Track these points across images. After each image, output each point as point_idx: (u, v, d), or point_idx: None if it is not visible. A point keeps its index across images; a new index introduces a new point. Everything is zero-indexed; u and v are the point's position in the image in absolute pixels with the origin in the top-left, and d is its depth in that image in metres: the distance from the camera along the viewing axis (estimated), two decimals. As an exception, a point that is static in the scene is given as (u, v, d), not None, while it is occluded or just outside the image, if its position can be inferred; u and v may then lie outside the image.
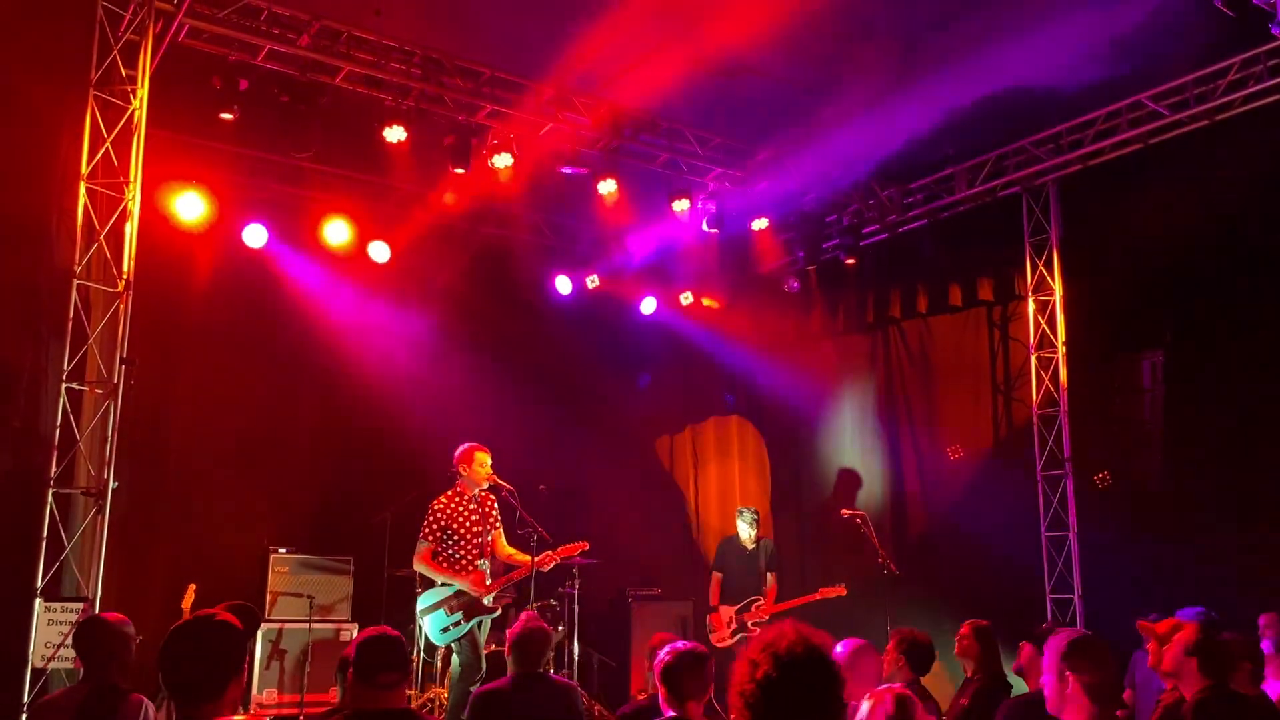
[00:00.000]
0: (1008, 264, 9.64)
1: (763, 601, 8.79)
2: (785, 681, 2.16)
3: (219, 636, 2.77)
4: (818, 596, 8.60)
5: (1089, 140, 8.59)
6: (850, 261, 10.36)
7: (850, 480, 10.57)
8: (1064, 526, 8.92)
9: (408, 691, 3.76)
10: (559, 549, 7.30)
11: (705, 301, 11.54)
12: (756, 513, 9.27)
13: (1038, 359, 9.28)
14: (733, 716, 2.24)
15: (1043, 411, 9.18)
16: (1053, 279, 9.24)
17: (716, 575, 9.09)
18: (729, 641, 8.77)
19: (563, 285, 10.95)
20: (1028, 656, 4.39)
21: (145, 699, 4.16)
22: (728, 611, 8.89)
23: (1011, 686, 5.44)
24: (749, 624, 8.71)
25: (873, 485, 10.51)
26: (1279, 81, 7.42)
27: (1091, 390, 8.91)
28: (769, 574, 9.04)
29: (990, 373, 9.78)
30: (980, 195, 9.53)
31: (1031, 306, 9.35)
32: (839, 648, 4.64)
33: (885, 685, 4.72)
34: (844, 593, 8.57)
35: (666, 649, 4.01)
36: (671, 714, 3.88)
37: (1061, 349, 9.13)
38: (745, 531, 9.02)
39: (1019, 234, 9.45)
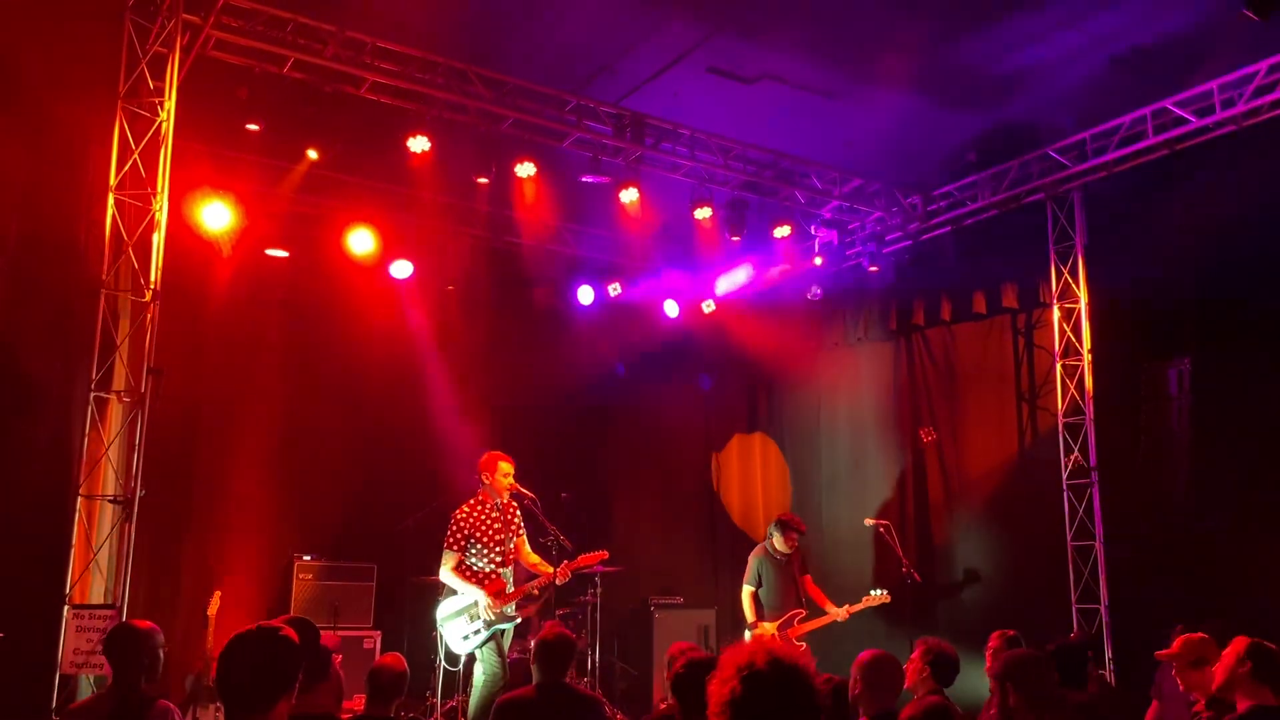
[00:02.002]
0: (1032, 271, 9.57)
1: (804, 614, 8.40)
2: (752, 701, 2.13)
3: (274, 648, 2.79)
4: (861, 606, 8.27)
5: (1114, 146, 8.53)
6: (873, 269, 10.33)
7: (873, 488, 10.52)
8: (1090, 536, 8.84)
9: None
10: (579, 558, 7.31)
11: (730, 311, 11.53)
12: (791, 525, 8.72)
13: (1063, 367, 9.21)
14: None
15: (1068, 420, 9.10)
16: (1078, 286, 9.17)
17: (750, 590, 8.58)
18: None
19: (585, 294, 10.98)
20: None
21: (172, 705, 4.19)
22: (768, 628, 8.41)
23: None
24: (794, 640, 8.24)
25: (896, 493, 10.45)
26: (1306, 87, 7.35)
27: (1118, 398, 8.82)
28: (804, 578, 8.66)
29: (1015, 381, 9.71)
30: (1004, 202, 9.49)
31: (1056, 314, 9.29)
32: (862, 658, 4.62)
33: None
34: (889, 599, 8.30)
35: (682, 659, 3.97)
36: None
37: (1087, 356, 9.06)
38: (780, 543, 8.62)
39: (1043, 241, 9.39)
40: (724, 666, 2.21)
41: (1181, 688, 4.83)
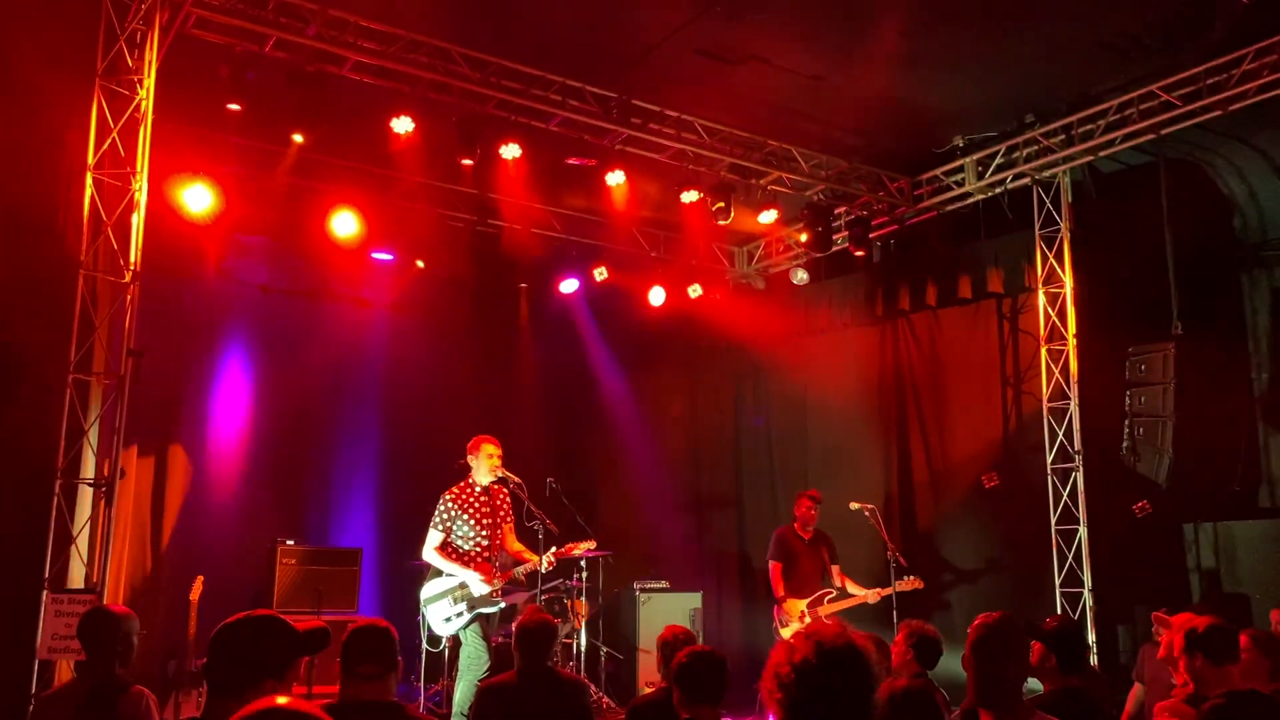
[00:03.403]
0: (1018, 256, 9.59)
1: (834, 594, 8.37)
2: (822, 669, 2.14)
3: (258, 636, 2.75)
4: (891, 590, 8.18)
5: (1100, 131, 8.52)
6: (859, 253, 10.31)
7: (858, 472, 10.53)
8: (1074, 520, 8.88)
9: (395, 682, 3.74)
10: (567, 546, 7.27)
11: (716, 295, 11.48)
12: (801, 494, 8.81)
13: (1048, 351, 9.22)
14: (763, 698, 2.22)
15: (1053, 404, 9.12)
16: (1063, 271, 9.18)
17: (776, 564, 8.48)
18: None
19: (570, 280, 10.91)
20: (1038, 656, 4.35)
21: (146, 691, 4.15)
22: (797, 605, 8.35)
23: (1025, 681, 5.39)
24: (823, 617, 8.20)
25: (881, 477, 10.47)
26: (1292, 72, 7.34)
27: (1102, 383, 8.84)
28: (834, 567, 8.62)
29: (1000, 365, 9.73)
30: (990, 187, 9.48)
31: (1042, 299, 9.29)
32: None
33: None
34: (921, 585, 8.26)
35: (685, 650, 3.96)
36: (686, 716, 3.83)
37: (1072, 341, 9.08)
38: (807, 524, 8.58)
39: (1029, 226, 9.39)
40: (796, 635, 2.25)
41: (1161, 654, 4.83)
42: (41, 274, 6.66)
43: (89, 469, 6.43)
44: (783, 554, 8.53)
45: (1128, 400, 8.41)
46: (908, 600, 8.11)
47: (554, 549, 7.05)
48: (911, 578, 8.23)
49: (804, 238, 10.32)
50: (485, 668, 6.66)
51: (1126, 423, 8.38)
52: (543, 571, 7.07)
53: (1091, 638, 8.55)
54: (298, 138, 7.81)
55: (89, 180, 6.44)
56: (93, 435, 6.38)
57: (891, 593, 8.17)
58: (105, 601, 6.04)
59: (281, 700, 1.90)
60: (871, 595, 8.28)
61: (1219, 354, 8.62)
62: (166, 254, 7.94)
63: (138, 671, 4.48)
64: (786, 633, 8.07)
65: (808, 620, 8.19)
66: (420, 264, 9.86)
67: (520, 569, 7.04)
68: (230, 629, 2.74)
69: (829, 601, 8.32)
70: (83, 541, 6.29)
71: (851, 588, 8.45)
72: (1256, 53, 7.49)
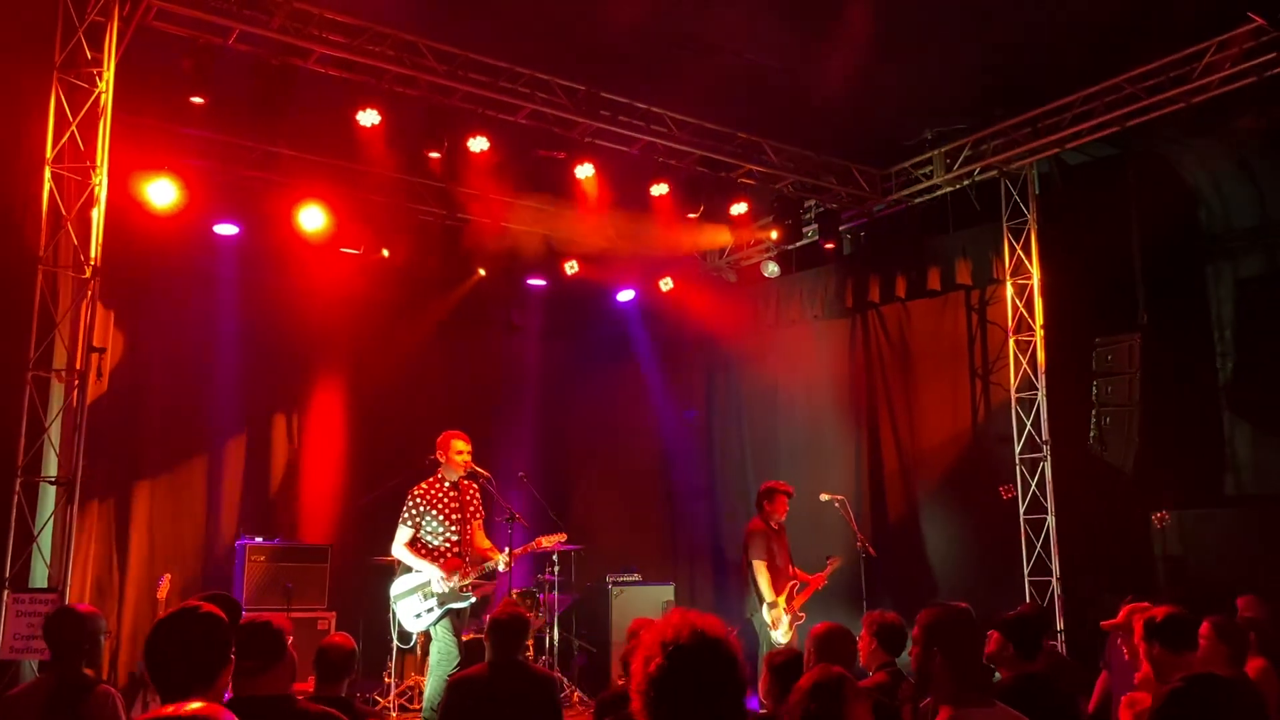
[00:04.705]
0: (986, 248, 9.65)
1: (798, 584, 8.17)
2: (677, 670, 2.10)
3: (204, 628, 2.76)
4: (827, 573, 8.20)
5: (1066, 124, 8.58)
6: (829, 246, 10.34)
7: (829, 463, 10.57)
8: (1042, 509, 8.95)
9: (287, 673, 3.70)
10: (537, 539, 7.26)
11: (686, 288, 11.48)
12: (778, 490, 8.40)
13: (1016, 342, 9.29)
14: (635, 712, 2.16)
15: (1021, 395, 9.20)
16: (1030, 262, 9.24)
17: (762, 563, 8.06)
18: (792, 636, 7.93)
19: (541, 272, 10.88)
20: (995, 644, 4.39)
21: (113, 690, 4.11)
22: (782, 603, 8.07)
23: (994, 671, 5.42)
24: (797, 611, 8.06)
25: (851, 469, 10.52)
26: (1253, 65, 7.41)
27: (1069, 374, 8.93)
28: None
29: (969, 356, 9.79)
30: (958, 179, 9.53)
31: (1009, 290, 9.36)
32: (815, 630, 4.63)
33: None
34: (840, 563, 8.25)
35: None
36: None
37: (1039, 332, 9.15)
38: (774, 511, 8.27)
39: (997, 218, 9.45)
40: (648, 643, 2.17)
41: (1126, 656, 4.88)
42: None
43: (51, 467, 6.34)
44: (765, 551, 8.16)
45: (1095, 390, 8.49)
46: (876, 592, 8.15)
47: (509, 549, 7.00)
48: (833, 557, 8.26)
49: (775, 235, 10.35)
50: (455, 663, 6.63)
51: (1094, 413, 8.46)
52: (501, 570, 7.04)
53: (1060, 626, 8.63)
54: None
55: (47, 175, 6.35)
56: (54, 433, 6.29)
57: (826, 575, 8.20)
58: (68, 600, 5.97)
59: (194, 706, 1.89)
60: (817, 580, 8.20)
61: (1184, 344, 8.72)
62: (129, 248, 7.85)
63: (104, 671, 4.43)
64: (778, 635, 7.90)
65: (790, 617, 8.04)
66: (385, 253, 9.75)
67: (491, 565, 7.01)
68: (164, 626, 2.73)
69: (796, 593, 8.19)
70: (45, 540, 6.21)
71: (802, 576, 8.28)
72: (1218, 45, 7.56)
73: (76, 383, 6.30)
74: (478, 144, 8.24)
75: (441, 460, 7.13)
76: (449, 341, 10.78)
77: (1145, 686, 4.19)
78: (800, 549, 8.50)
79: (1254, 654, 5.02)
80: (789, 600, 8.13)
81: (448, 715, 4.89)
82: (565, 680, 8.74)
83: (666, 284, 11.37)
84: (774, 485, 8.42)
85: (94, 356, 6.33)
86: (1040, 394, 9.07)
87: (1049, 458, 8.97)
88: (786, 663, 4.40)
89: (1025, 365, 9.21)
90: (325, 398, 9.84)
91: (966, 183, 9.53)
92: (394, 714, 8.10)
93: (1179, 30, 7.56)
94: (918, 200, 9.96)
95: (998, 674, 4.48)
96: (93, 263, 6.40)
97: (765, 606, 7.96)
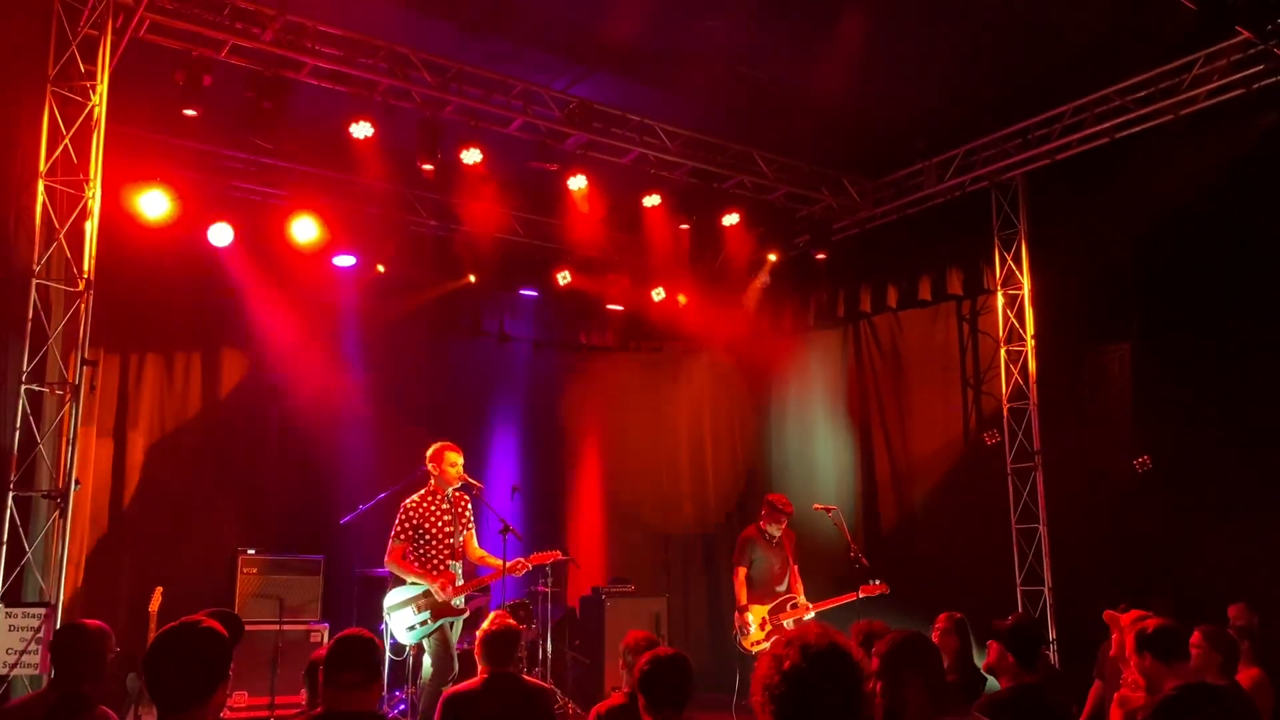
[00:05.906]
0: (977, 258, 9.69)
1: (795, 599, 8.22)
2: (811, 673, 2.16)
3: (203, 643, 2.76)
4: (858, 595, 7.97)
5: (1056, 135, 8.64)
6: (821, 256, 10.38)
7: (821, 473, 10.59)
8: (1034, 519, 8.98)
9: (379, 693, 3.75)
10: (532, 556, 7.23)
11: (679, 298, 11.49)
12: (776, 507, 8.40)
13: (1007, 352, 9.33)
14: (756, 712, 2.22)
15: (1012, 405, 9.23)
16: (1021, 273, 9.29)
17: (741, 570, 8.24)
18: (764, 644, 7.74)
19: (532, 283, 10.89)
20: (995, 654, 4.40)
21: (110, 712, 4.05)
22: (759, 612, 8.19)
23: (986, 680, 5.42)
24: (784, 624, 8.03)
25: (844, 479, 10.53)
26: (1241, 76, 7.48)
27: (1060, 383, 8.97)
28: (794, 567, 8.44)
29: (960, 366, 9.83)
30: (949, 190, 9.58)
31: (1000, 300, 9.40)
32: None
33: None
34: (886, 590, 7.97)
35: (647, 656, 3.91)
36: None
37: (1030, 342, 9.19)
38: (769, 525, 8.36)
39: (988, 228, 9.50)
40: (777, 643, 2.26)
41: (1114, 652, 4.90)
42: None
43: (44, 480, 6.31)
44: (747, 558, 8.31)
45: (1085, 400, 8.52)
46: (869, 600, 8.14)
47: (520, 559, 7.01)
48: (877, 581, 8.00)
49: (767, 245, 10.39)
50: (451, 676, 6.62)
51: (1084, 423, 8.48)
52: (503, 576, 7.03)
53: (1052, 635, 8.65)
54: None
55: (40, 188, 6.33)
56: (47, 446, 6.27)
57: (855, 598, 7.98)
58: (61, 615, 5.95)
59: None
60: (819, 606, 8.14)
61: (1176, 353, 8.74)
62: (122, 261, 7.84)
63: (101, 689, 4.38)
64: (747, 641, 8.03)
65: (768, 629, 8.09)
66: (381, 269, 9.79)
67: (486, 579, 6.99)
68: (164, 641, 2.73)
69: (790, 608, 8.21)
70: (38, 554, 6.18)
71: (801, 599, 8.28)
72: (1206, 58, 7.63)
73: (69, 396, 6.29)
74: (470, 156, 8.26)
75: (434, 472, 7.11)
76: (441, 351, 10.77)
77: (1136, 687, 4.21)
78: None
79: (1247, 663, 5.05)
80: (774, 613, 8.18)
81: (442, 729, 4.87)
82: (559, 692, 8.72)
83: (659, 294, 11.38)
84: (775, 500, 8.43)
85: (86, 370, 6.32)
86: (1031, 403, 9.11)
87: (1040, 467, 9.00)
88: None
89: (1016, 375, 9.25)
90: (318, 408, 9.81)
91: (958, 193, 9.57)
92: (387, 726, 8.07)
93: (1168, 42, 7.63)
94: (909, 211, 10.00)
95: (998, 683, 4.48)
96: (86, 276, 6.39)
97: (736, 610, 8.15)
